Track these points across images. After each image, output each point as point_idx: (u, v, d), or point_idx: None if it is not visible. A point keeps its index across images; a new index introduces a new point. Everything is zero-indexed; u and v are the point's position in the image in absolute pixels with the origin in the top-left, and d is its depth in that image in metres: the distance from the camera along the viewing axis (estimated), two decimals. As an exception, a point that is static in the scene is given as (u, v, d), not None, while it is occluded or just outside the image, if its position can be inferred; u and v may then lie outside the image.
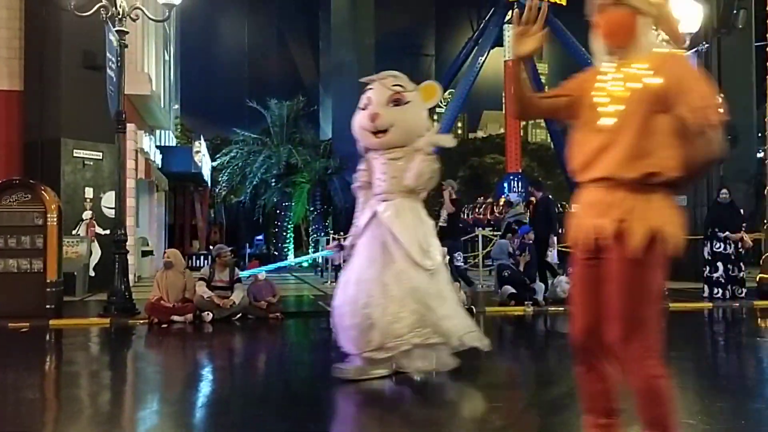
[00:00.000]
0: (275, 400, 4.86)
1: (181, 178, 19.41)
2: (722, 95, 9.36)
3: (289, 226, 21.91)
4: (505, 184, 28.71)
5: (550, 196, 12.28)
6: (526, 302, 9.54)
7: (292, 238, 22.11)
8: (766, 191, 11.33)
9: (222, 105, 26.76)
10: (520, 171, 29.40)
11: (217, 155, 22.82)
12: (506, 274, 9.90)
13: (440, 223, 10.11)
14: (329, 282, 14.34)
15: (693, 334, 8.34)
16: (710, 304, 10.09)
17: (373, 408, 4.70)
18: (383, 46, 28.62)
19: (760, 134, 15.84)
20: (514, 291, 9.68)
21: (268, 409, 4.62)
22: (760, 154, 14.90)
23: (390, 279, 5.04)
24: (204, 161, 20.44)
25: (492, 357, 7.05)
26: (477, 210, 28.34)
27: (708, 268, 10.50)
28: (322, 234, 19.59)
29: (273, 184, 21.32)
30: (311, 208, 21.71)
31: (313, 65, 31.62)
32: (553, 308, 9.57)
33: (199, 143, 19.79)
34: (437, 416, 4.36)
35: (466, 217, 28.39)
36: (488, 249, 12.69)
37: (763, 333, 8.55)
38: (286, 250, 21.98)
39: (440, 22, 40.81)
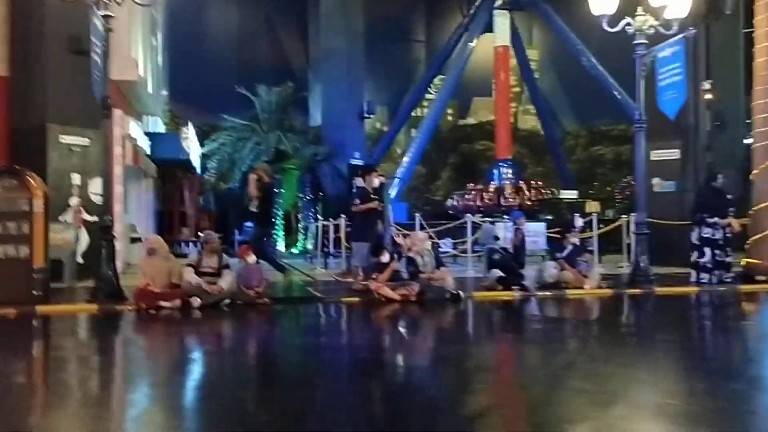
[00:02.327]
0: (264, 384, 4.87)
1: (169, 164, 19.30)
2: (711, 82, 9.39)
3: (278, 213, 21.89)
4: (495, 171, 28.74)
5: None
6: (513, 287, 9.59)
7: (282, 225, 22.08)
8: (751, 177, 11.39)
9: (211, 91, 26.54)
10: (510, 158, 29.41)
11: (206, 142, 22.71)
12: (496, 257, 9.94)
13: (251, 209, 9.90)
14: (319, 268, 14.35)
15: (679, 318, 8.43)
16: (697, 289, 10.19)
17: (361, 392, 4.72)
18: (373, 32, 28.46)
19: (747, 121, 15.90)
20: (503, 275, 9.72)
21: (256, 392, 4.64)
22: (748, 141, 14.95)
23: None
24: (193, 148, 20.33)
25: (479, 340, 7.12)
26: (467, 196, 28.40)
27: (696, 253, 10.57)
28: (312, 220, 19.57)
29: (262, 170, 21.27)
30: (301, 195, 21.68)
31: (303, 51, 31.41)
32: (540, 293, 9.63)
33: (188, 129, 19.67)
34: (427, 401, 4.39)
35: (455, 203, 28.50)
36: (476, 235, 12.72)
37: (747, 317, 8.64)
38: (275, 237, 21.97)
39: (430, 8, 40.58)
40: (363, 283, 9.49)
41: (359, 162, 20.66)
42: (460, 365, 5.39)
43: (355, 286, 9.82)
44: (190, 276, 8.44)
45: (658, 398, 4.23)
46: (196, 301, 8.34)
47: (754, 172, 11.27)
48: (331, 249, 15.24)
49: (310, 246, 18.51)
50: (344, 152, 20.87)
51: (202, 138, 22.69)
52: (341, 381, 5.02)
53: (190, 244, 19.14)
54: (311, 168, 21.24)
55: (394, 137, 33.34)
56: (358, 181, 11.01)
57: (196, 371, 5.48)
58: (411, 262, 9.28)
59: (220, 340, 7.07)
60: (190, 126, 20.27)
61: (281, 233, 22.16)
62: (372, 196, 10.12)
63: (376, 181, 10.32)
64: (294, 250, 21.49)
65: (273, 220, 12.04)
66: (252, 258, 9.00)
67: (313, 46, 27.39)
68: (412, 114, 34.55)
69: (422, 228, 13.66)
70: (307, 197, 21.65)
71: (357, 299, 9.15)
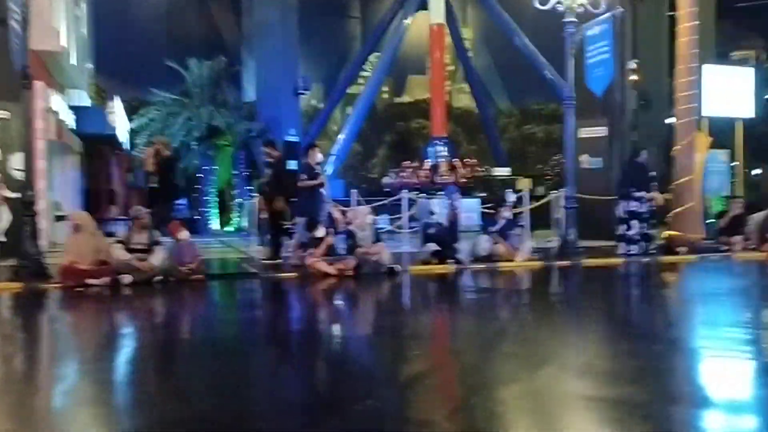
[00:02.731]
0: (196, 358, 4.81)
1: (95, 140, 18.57)
2: (636, 61, 9.70)
3: (212, 191, 21.45)
4: (431, 149, 28.98)
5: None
6: (448, 260, 9.76)
7: (216, 203, 21.67)
8: (673, 153, 11.90)
9: (139, 65, 25.61)
10: (445, 136, 29.69)
11: (135, 117, 21.94)
12: (432, 231, 10.08)
13: (150, 185, 9.75)
14: (255, 245, 14.19)
15: (606, 287, 8.78)
16: (622, 260, 10.62)
17: (296, 363, 4.73)
18: (308, 6, 28.01)
19: (671, 101, 16.54)
20: (438, 249, 9.87)
21: (187, 366, 4.58)
22: (670, 120, 15.59)
23: None
24: (120, 123, 19.61)
25: (415, 311, 7.23)
26: (403, 173, 28.58)
27: (622, 226, 11.01)
28: (248, 198, 19.30)
29: (195, 147, 20.75)
30: (235, 172, 21.31)
31: (235, 24, 30.64)
32: (474, 266, 9.84)
33: (114, 104, 18.95)
34: (362, 369, 4.44)
35: (391, 180, 28.65)
36: (412, 211, 12.85)
37: (669, 285, 9.08)
38: (210, 214, 21.55)
39: (366, -16, 40.30)
40: (301, 257, 9.47)
41: (294, 138, 20.43)
42: (396, 335, 5.47)
43: (293, 261, 9.78)
44: (119, 253, 8.21)
45: (584, 359, 4.42)
46: (127, 278, 8.12)
47: (676, 148, 11.77)
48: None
49: (245, 223, 18.27)
50: (279, 128, 20.55)
51: (131, 113, 21.91)
52: (276, 353, 5.01)
53: (119, 222, 18.56)
54: (246, 144, 20.87)
55: (330, 114, 33.12)
56: (270, 153, 10.72)
57: (127, 346, 5.35)
58: (350, 235, 9.30)
59: (152, 316, 6.92)
60: (117, 100, 19.53)
61: (215, 211, 21.75)
62: (315, 172, 10.12)
63: (319, 156, 10.32)
64: (229, 228, 21.15)
65: (174, 196, 11.69)
66: (184, 234, 8.83)
67: (246, 19, 26.74)
68: (348, 91, 34.37)
69: (359, 204, 13.68)
70: (242, 174, 21.28)
71: (293, 274, 9.12)
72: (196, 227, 18.85)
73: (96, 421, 3.32)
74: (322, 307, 7.58)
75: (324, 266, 8.95)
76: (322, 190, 10.32)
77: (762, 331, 5.42)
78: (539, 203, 14.94)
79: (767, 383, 3.86)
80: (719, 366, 4.27)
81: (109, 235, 10.81)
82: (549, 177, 29.42)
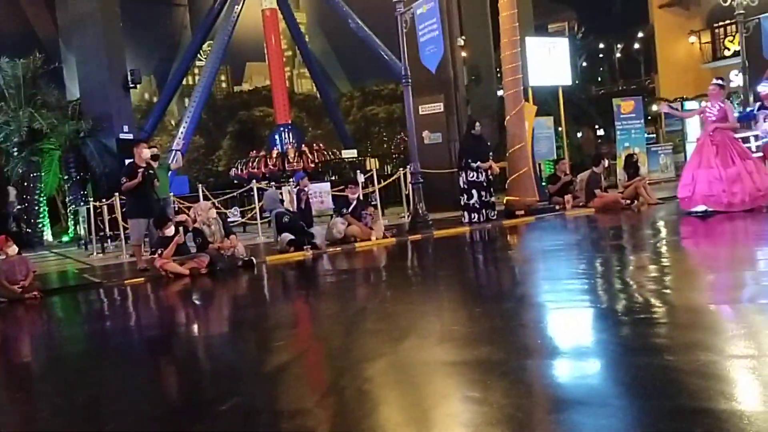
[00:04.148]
0: (40, 381, 4.43)
1: None
2: (464, 38, 10.09)
3: (41, 199, 19.69)
4: (276, 136, 28.59)
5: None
6: (305, 247, 9.72)
7: (46, 212, 19.92)
8: (505, 123, 12.63)
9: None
10: (290, 122, 29.41)
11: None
12: (285, 219, 9.97)
13: None
14: (95, 254, 13.31)
15: (456, 255, 9.19)
16: (468, 228, 11.16)
17: (156, 370, 4.50)
18: (129, -5, 26.36)
19: (498, 74, 17.51)
20: (293, 237, 9.79)
21: (28, 391, 4.21)
22: (501, 92, 16.50)
23: None
24: None
25: (275, 301, 7.14)
26: (251, 164, 27.98)
27: (464, 196, 11.55)
28: (82, 203, 17.93)
29: (16, 153, 18.90)
30: (65, 177, 19.69)
31: (50, 18, 28.16)
32: (331, 249, 9.88)
33: None
34: (226, 366, 4.32)
35: (239, 172, 27.98)
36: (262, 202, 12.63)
37: (511, 247, 9.67)
38: (41, 225, 19.80)
39: (190, -30, 38.66)
40: (148, 261, 8.98)
41: (129, 136, 19.22)
42: (258, 327, 5.37)
43: (139, 265, 9.26)
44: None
45: (443, 327, 4.60)
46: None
47: (507, 118, 12.50)
48: (107, 231, 14.15)
49: (82, 231, 17.00)
50: (111, 126, 19.22)
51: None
52: (130, 364, 4.72)
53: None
54: (74, 146, 19.28)
55: (165, 108, 31.54)
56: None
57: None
58: (198, 233, 8.98)
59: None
60: None
61: (47, 221, 20.03)
62: (142, 169, 9.42)
63: (146, 153, 9.72)
64: (65, 238, 19.58)
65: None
66: (13, 249, 8.06)
67: (60, 13, 24.65)
68: (183, 82, 32.91)
69: (206, 199, 13.24)
70: (74, 178, 19.71)
71: (142, 279, 8.65)
72: (27, 240, 17.26)
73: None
74: (176, 310, 7.25)
75: (175, 267, 8.57)
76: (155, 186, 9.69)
77: (595, 280, 5.94)
78: (388, 181, 15.30)
79: (604, 328, 4.23)
80: (563, 317, 4.62)
81: None
82: (395, 155, 30.12)
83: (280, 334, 5.06)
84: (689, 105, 19.22)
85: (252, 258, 9.13)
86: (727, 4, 15.70)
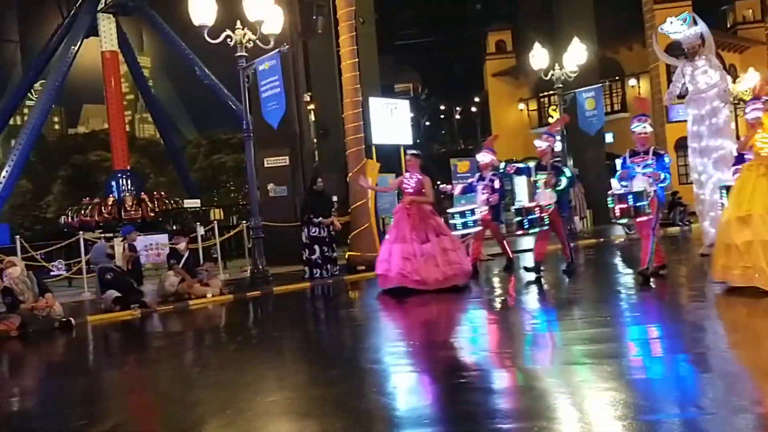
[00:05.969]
0: None
1: None
2: (311, 94, 10.16)
3: None
4: (113, 183, 26.98)
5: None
6: (132, 306, 9.09)
7: None
8: (348, 179, 12.83)
9: None
10: (129, 168, 27.94)
11: None
12: (109, 276, 9.30)
13: None
14: None
15: (294, 313, 9.02)
16: (309, 284, 11.06)
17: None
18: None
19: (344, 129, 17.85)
20: (119, 294, 9.14)
21: None
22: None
23: None
24: None
25: (89, 371, 6.51)
26: (83, 211, 26.10)
27: (307, 251, 11.48)
28: None
29: None
30: None
31: None
32: (162, 308, 9.33)
33: None
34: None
35: (70, 220, 25.99)
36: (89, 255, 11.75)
37: (354, 303, 9.67)
38: None
39: (23, 5, 36.19)
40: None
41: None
42: (64, 401, 4.86)
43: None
44: None
45: (265, 397, 4.42)
46: None
47: (350, 175, 12.71)
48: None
49: None
50: None
51: None
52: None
53: None
54: None
55: (-12, 149, 28.88)
56: None
57: None
58: (8, 292, 8.13)
59: None
60: None
61: None
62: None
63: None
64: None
65: None
66: None
67: None
68: (10, 122, 30.36)
69: (24, 251, 12.10)
70: None
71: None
72: None
73: None
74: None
75: (-23, 331, 7.65)
76: None
77: (416, 343, 6.06)
78: (231, 234, 14.89)
79: (419, 390, 4.28)
80: (391, 379, 4.63)
81: None
82: (242, 205, 29.54)
83: (83, 411, 4.55)
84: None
85: (70, 318, 8.38)
86: (548, 78, 17.24)
